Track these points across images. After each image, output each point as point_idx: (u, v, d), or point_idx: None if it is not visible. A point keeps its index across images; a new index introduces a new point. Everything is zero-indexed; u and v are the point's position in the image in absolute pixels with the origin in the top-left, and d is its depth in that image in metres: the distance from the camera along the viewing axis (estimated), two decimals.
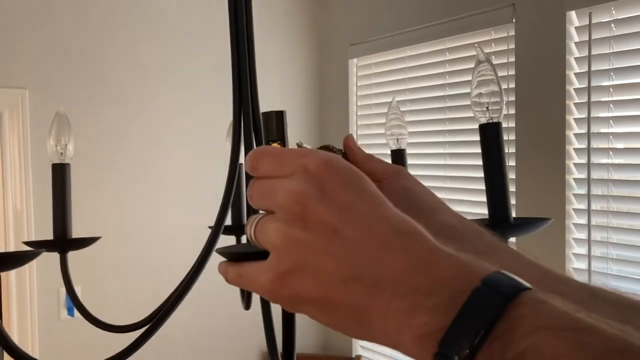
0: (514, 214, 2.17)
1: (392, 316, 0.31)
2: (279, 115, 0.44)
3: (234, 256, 0.40)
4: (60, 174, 0.89)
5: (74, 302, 0.86)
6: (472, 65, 2.29)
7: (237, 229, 0.91)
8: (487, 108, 0.54)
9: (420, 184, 0.46)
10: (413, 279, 0.31)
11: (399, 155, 0.77)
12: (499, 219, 0.57)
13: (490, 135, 0.55)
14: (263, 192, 0.37)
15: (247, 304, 0.93)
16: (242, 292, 0.99)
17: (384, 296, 0.31)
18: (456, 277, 0.30)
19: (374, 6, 2.97)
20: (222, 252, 0.42)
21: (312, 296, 0.34)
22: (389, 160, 0.79)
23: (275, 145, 0.44)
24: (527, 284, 0.29)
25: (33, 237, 2.33)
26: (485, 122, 0.55)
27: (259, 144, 0.67)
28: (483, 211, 2.59)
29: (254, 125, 0.63)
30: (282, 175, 0.35)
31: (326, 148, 0.45)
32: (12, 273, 2.40)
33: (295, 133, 3.24)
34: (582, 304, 0.37)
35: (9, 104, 2.39)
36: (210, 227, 1.01)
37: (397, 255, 0.32)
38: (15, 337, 2.40)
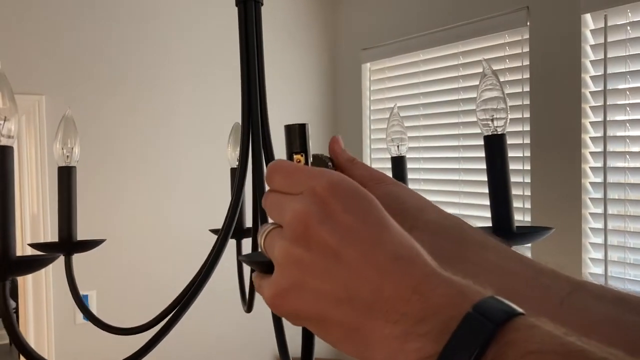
0: (529, 218, 2.13)
1: (386, 340, 0.31)
2: (302, 128, 0.45)
3: (262, 267, 0.41)
4: (66, 176, 0.89)
5: (79, 305, 0.87)
6: None
7: (237, 233, 0.92)
8: (492, 119, 0.54)
9: (406, 187, 0.47)
10: (404, 305, 0.31)
11: (399, 162, 0.78)
12: (503, 230, 0.57)
13: (494, 146, 0.55)
14: (274, 206, 0.38)
15: (247, 307, 0.94)
16: (242, 295, 0.99)
17: (377, 321, 0.32)
18: (448, 304, 0.30)
19: (386, 10, 2.97)
20: (246, 261, 0.44)
21: (310, 314, 0.35)
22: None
23: (297, 157, 0.45)
24: (519, 310, 0.29)
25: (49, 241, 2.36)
26: (490, 133, 0.55)
27: (267, 155, 0.67)
28: None
29: (263, 138, 0.64)
30: (292, 192, 0.37)
31: (317, 157, 0.46)
32: (29, 277, 2.43)
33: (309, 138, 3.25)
34: (565, 297, 0.38)
35: (26, 110, 2.42)
36: (211, 230, 1.02)
37: (390, 280, 0.32)
38: (32, 341, 2.42)
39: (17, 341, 0.61)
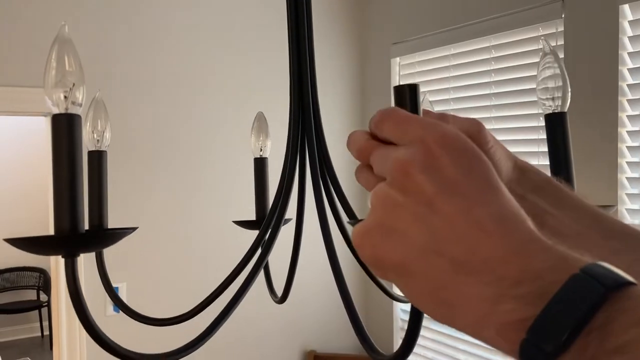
0: None
1: (474, 301, 0.30)
2: (412, 90, 0.39)
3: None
4: (96, 161, 0.81)
5: (111, 296, 0.84)
6: (518, 63, 2.23)
7: (260, 224, 0.91)
8: (553, 98, 0.52)
9: (497, 143, 0.43)
10: (501, 267, 0.29)
11: None
12: None
13: (556, 124, 0.53)
14: (380, 157, 0.37)
15: (281, 298, 0.91)
16: (269, 287, 0.97)
17: (467, 279, 0.30)
18: (551, 268, 0.28)
19: (416, 4, 2.94)
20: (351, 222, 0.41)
21: (393, 260, 0.33)
22: None
23: None
24: (631, 279, 0.27)
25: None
26: (551, 111, 0.54)
27: (319, 143, 0.65)
28: None
29: (315, 126, 0.62)
30: (401, 142, 0.35)
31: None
32: (61, 269, 2.46)
33: (337, 132, 3.21)
34: (632, 263, 0.36)
35: None
36: (235, 222, 1.00)
37: (489, 240, 0.30)
38: (64, 333, 2.46)
39: (86, 323, 0.59)
